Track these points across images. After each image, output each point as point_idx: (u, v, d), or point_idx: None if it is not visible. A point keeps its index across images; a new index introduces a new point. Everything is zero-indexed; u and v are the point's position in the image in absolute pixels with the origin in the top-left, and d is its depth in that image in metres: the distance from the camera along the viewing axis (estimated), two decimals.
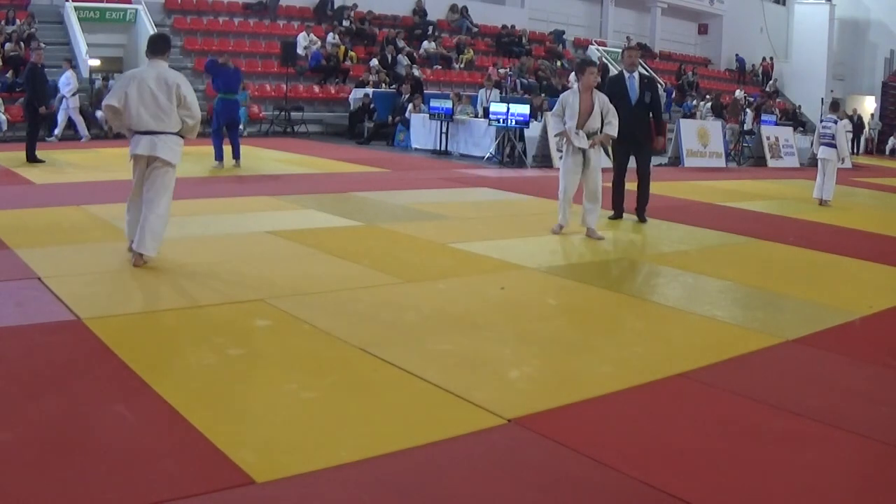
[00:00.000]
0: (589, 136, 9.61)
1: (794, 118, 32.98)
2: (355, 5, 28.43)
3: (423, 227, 9.74)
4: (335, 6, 28.09)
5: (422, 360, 5.13)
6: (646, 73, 10.62)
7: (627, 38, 36.26)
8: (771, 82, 39.26)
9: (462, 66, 28.97)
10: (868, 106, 40.87)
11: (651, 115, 11.02)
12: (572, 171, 9.78)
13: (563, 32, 34.19)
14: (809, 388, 5.12)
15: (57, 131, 19.37)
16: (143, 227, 7.11)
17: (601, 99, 9.64)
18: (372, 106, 23.40)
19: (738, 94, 33.26)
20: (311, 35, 25.96)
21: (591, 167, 9.68)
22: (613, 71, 32.60)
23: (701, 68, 37.48)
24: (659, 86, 10.94)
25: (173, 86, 7.20)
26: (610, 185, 10.99)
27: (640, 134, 10.82)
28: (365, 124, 23.22)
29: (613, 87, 10.81)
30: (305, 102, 24.58)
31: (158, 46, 7.45)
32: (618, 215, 11.02)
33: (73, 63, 19.91)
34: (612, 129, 9.64)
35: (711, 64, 40.06)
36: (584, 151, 9.63)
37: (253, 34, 26.28)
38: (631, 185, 11.08)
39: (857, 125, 34.31)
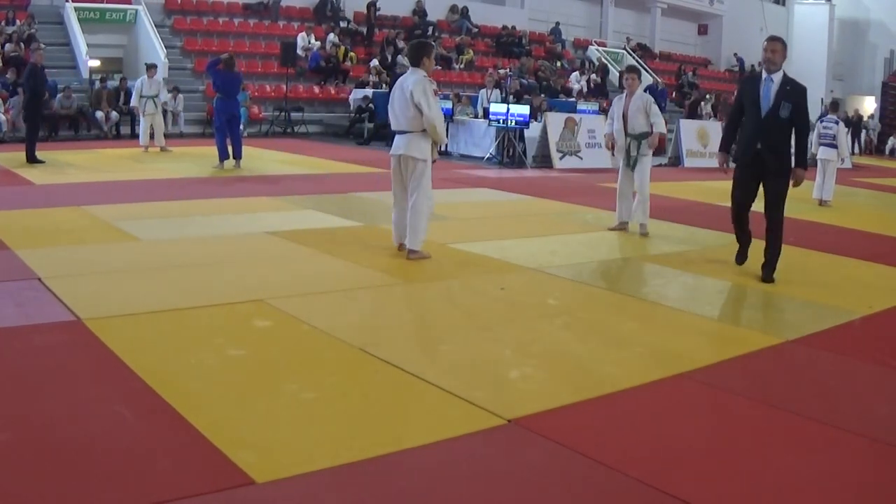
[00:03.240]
0: (635, 137, 10.05)
1: None
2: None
3: None
4: (334, 7, 28.03)
5: (422, 361, 5.13)
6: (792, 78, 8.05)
7: (627, 38, 36.27)
8: None
9: (462, 66, 28.96)
10: (868, 106, 40.86)
11: (794, 134, 7.95)
12: (621, 170, 10.34)
13: (558, 24, 34.08)
14: (809, 388, 5.12)
15: None
16: (409, 225, 8.04)
17: (644, 100, 10.11)
18: (372, 106, 23.37)
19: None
20: (310, 36, 25.91)
21: (636, 167, 10.14)
22: (614, 71, 32.75)
23: (701, 69, 37.46)
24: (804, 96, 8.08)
25: (407, 90, 7.88)
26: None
27: (771, 158, 7.80)
28: (365, 125, 23.19)
29: (744, 90, 8.33)
30: (305, 103, 24.55)
31: (410, 56, 8.33)
32: (741, 258, 8.43)
33: None
34: (658, 127, 10.08)
35: (711, 64, 40.05)
36: (628, 151, 10.13)
37: (253, 35, 26.25)
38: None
39: (858, 126, 34.28)
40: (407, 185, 8.11)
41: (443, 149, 20.03)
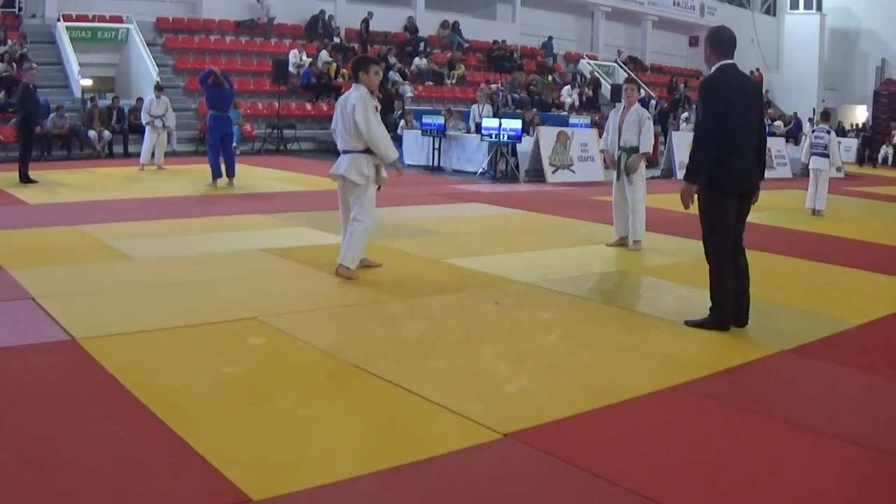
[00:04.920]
0: (626, 151, 9.97)
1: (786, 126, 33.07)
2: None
3: (417, 242, 9.74)
4: (326, 23, 28.07)
5: (417, 376, 5.13)
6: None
7: (619, 51, 36.37)
8: (764, 93, 39.38)
9: (454, 81, 29.03)
10: (860, 115, 41.03)
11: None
12: (615, 185, 10.26)
13: (551, 38, 34.17)
14: (805, 397, 5.12)
15: None
16: (344, 241, 7.82)
17: (639, 114, 9.96)
18: None
19: None
20: (302, 53, 25.95)
21: (628, 181, 10.06)
22: (605, 84, 32.83)
23: (693, 80, 37.53)
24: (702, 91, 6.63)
25: (349, 107, 7.62)
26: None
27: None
28: None
29: None
30: (298, 120, 24.60)
31: (351, 73, 8.01)
32: (726, 320, 6.48)
33: None
34: (643, 146, 9.94)
35: (703, 76, 40.12)
36: (619, 163, 10.08)
37: (244, 52, 26.28)
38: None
39: (871, 136, 34.46)
40: (350, 205, 7.94)
41: (435, 164, 20.17)
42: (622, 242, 10.13)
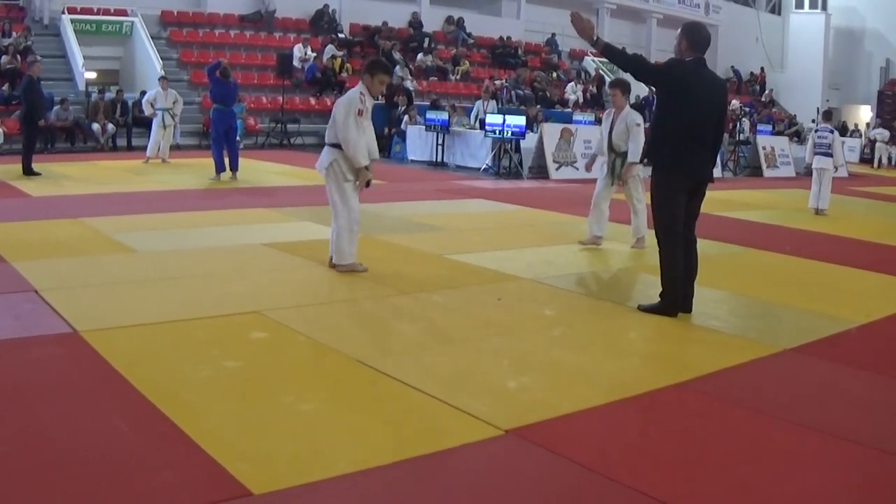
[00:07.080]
0: (619, 155, 9.77)
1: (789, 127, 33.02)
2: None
3: (420, 238, 9.74)
4: (331, 18, 28.06)
5: (419, 372, 5.13)
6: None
7: (623, 48, 36.28)
8: (767, 92, 39.34)
9: (458, 77, 29.00)
10: (864, 115, 40.99)
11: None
12: (601, 181, 10.04)
13: (554, 35, 34.12)
14: (807, 397, 5.12)
15: None
16: (332, 241, 7.83)
17: (628, 121, 9.68)
18: None
19: (734, 103, 33.28)
20: (307, 48, 25.92)
21: (625, 183, 9.88)
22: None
23: None
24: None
25: (336, 104, 7.71)
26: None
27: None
28: None
29: None
30: (302, 114, 24.55)
31: (365, 68, 7.98)
32: (675, 305, 6.78)
33: None
34: (630, 156, 9.66)
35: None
36: (613, 167, 9.87)
37: (249, 46, 26.26)
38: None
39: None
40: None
41: (439, 160, 20.16)
42: (595, 241, 9.81)
